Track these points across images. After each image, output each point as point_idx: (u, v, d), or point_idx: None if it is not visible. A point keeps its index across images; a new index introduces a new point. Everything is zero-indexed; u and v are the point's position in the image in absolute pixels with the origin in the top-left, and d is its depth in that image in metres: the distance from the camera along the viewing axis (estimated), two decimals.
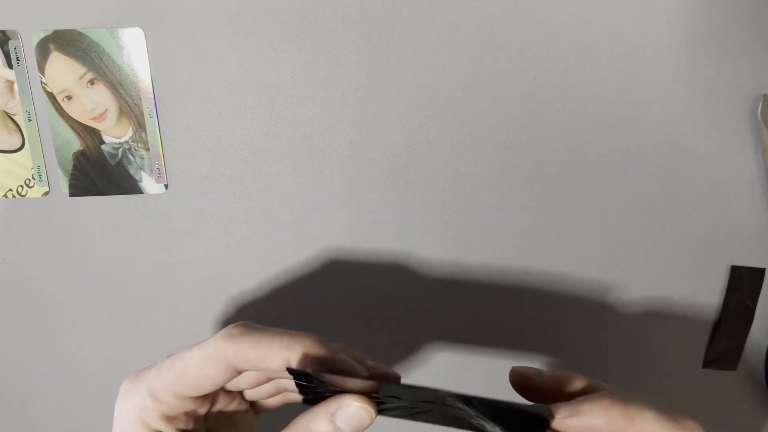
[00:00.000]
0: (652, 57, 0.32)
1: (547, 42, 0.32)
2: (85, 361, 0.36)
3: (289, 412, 0.23)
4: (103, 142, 0.33)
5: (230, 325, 0.22)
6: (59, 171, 0.33)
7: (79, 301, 0.35)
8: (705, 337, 0.36)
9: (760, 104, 0.32)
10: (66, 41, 0.31)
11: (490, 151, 0.33)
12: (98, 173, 0.33)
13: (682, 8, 0.31)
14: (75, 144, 0.33)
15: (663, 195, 0.34)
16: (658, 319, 0.36)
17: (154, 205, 0.34)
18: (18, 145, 0.33)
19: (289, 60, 0.32)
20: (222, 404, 0.24)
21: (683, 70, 0.32)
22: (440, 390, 0.20)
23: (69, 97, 0.32)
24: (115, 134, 0.33)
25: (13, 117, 0.32)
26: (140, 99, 0.32)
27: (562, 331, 0.36)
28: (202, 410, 0.23)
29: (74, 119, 0.32)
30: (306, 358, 0.21)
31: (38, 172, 0.33)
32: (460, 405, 0.20)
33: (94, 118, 0.33)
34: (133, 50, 0.32)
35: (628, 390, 0.23)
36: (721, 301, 0.35)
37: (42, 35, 0.31)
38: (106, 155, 0.33)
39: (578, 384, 0.23)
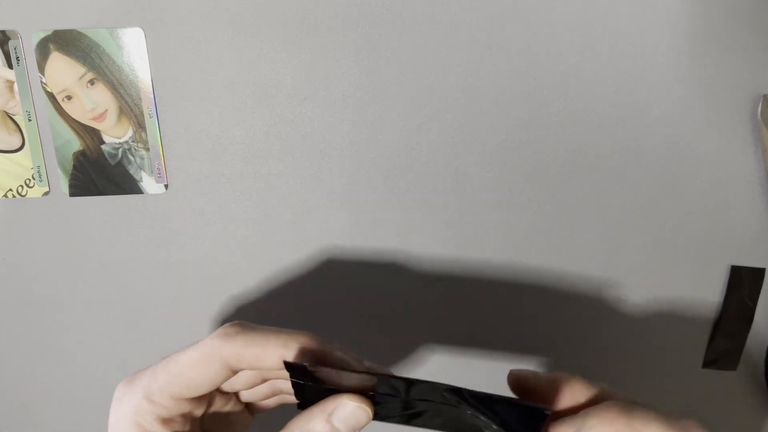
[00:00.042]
0: (652, 57, 0.31)
1: (547, 42, 0.31)
2: (85, 361, 0.35)
3: (285, 412, 0.22)
4: (103, 142, 0.32)
5: (225, 325, 0.21)
6: (59, 171, 0.32)
7: (79, 301, 0.34)
8: (705, 337, 0.35)
9: (760, 104, 0.32)
10: (66, 41, 0.31)
11: (490, 151, 0.32)
12: (98, 173, 0.32)
13: (682, 8, 0.31)
14: (75, 144, 0.32)
15: (663, 195, 0.33)
16: (658, 319, 0.35)
17: (154, 205, 0.33)
18: (18, 145, 0.32)
19: (289, 60, 0.31)
20: (218, 405, 0.23)
21: (683, 70, 0.31)
22: (436, 382, 0.19)
23: (69, 97, 0.31)
24: (115, 134, 0.32)
25: (13, 117, 0.32)
26: (140, 99, 0.32)
27: (562, 331, 0.35)
28: (198, 412, 0.22)
29: (74, 119, 0.32)
30: (302, 356, 0.20)
31: (38, 172, 0.32)
32: (456, 400, 0.19)
33: (94, 118, 0.32)
34: (133, 50, 0.31)
35: (627, 394, 0.22)
36: (721, 301, 0.34)
37: (42, 35, 0.31)
38: (106, 155, 0.32)
39: (576, 386, 0.22)
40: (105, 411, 0.36)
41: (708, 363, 0.35)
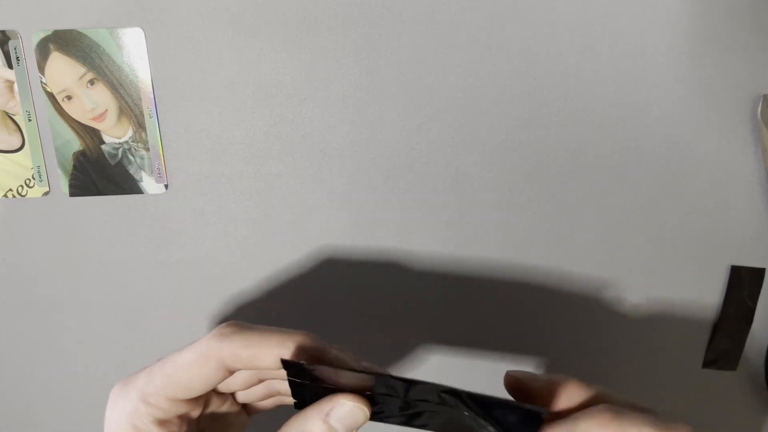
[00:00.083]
0: (652, 57, 0.31)
1: (547, 42, 0.30)
2: (85, 361, 0.34)
3: (282, 412, 0.22)
4: (103, 142, 0.31)
5: (221, 325, 0.20)
6: (59, 171, 0.32)
7: (79, 301, 0.33)
8: (705, 337, 0.34)
9: (760, 104, 0.31)
10: (66, 41, 0.30)
11: (490, 151, 0.32)
12: (98, 173, 0.32)
13: (682, 8, 0.30)
14: (75, 144, 0.31)
15: (663, 195, 0.32)
16: (658, 319, 0.34)
17: (154, 205, 0.32)
18: (18, 145, 0.31)
19: (289, 60, 0.30)
20: (214, 406, 0.22)
21: (683, 70, 0.31)
22: (434, 383, 0.19)
23: (69, 97, 0.31)
24: (115, 134, 0.31)
25: (13, 117, 0.31)
26: (140, 99, 0.31)
27: (562, 331, 0.34)
28: (195, 413, 0.21)
29: (74, 119, 0.31)
30: (299, 355, 0.20)
31: (38, 172, 0.32)
32: (454, 401, 0.18)
33: (94, 118, 0.31)
34: (133, 50, 0.30)
35: (623, 395, 0.22)
36: (721, 301, 0.34)
37: (42, 35, 0.30)
38: (106, 155, 0.32)
39: (573, 388, 0.22)
40: (105, 411, 0.35)
41: (708, 363, 0.35)
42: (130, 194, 0.32)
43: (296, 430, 0.19)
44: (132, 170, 0.32)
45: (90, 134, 0.31)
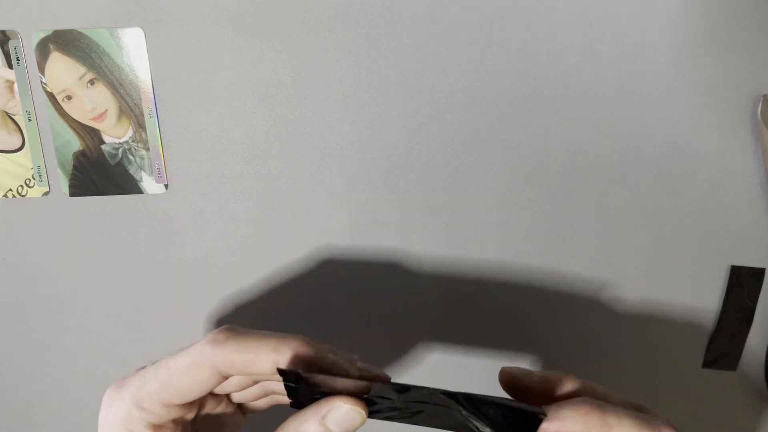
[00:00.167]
0: (652, 57, 0.29)
1: (547, 42, 0.29)
2: (85, 361, 0.33)
3: (277, 411, 0.21)
4: (103, 142, 0.30)
5: (215, 330, 0.19)
6: (59, 171, 0.30)
7: (79, 301, 0.32)
8: (705, 337, 0.33)
9: (760, 104, 0.30)
10: (66, 41, 0.29)
11: (490, 151, 0.30)
12: (98, 173, 0.30)
13: (682, 8, 0.29)
14: (75, 144, 0.30)
15: (663, 195, 0.31)
16: (658, 319, 0.33)
17: (154, 205, 0.31)
18: (18, 145, 0.30)
19: (289, 60, 0.29)
20: (209, 408, 0.21)
21: (683, 70, 0.29)
22: (431, 388, 0.18)
23: (69, 97, 0.29)
24: (115, 134, 0.30)
25: (13, 117, 0.30)
26: (140, 99, 0.30)
27: (562, 331, 0.33)
28: (190, 416, 0.20)
29: (74, 119, 0.30)
30: (295, 361, 0.18)
31: (38, 172, 0.30)
32: (452, 403, 0.17)
33: (94, 118, 0.30)
34: (133, 50, 0.29)
35: (616, 391, 0.21)
36: (721, 301, 0.32)
37: (42, 35, 0.29)
38: (106, 155, 0.30)
39: (568, 385, 0.21)
40: None
41: (708, 363, 0.33)
42: (130, 194, 0.31)
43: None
44: (132, 170, 0.31)
45: (90, 134, 0.30)
